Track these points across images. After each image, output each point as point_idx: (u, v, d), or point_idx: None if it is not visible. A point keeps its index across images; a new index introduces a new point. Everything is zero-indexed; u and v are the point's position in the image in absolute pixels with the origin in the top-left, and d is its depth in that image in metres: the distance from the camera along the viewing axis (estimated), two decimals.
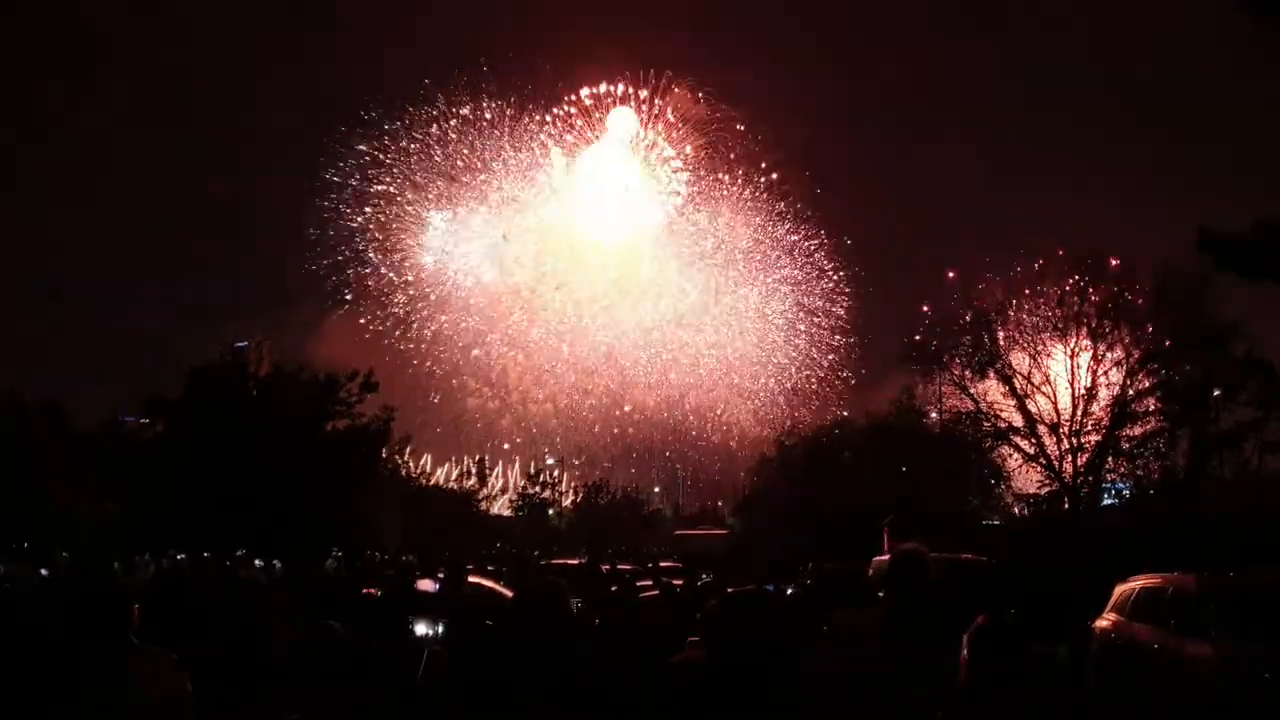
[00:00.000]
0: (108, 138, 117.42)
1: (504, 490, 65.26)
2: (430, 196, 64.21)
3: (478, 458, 62.68)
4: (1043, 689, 10.18)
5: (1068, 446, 30.62)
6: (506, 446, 66.04)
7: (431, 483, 56.35)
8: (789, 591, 22.04)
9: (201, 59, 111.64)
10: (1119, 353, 30.71)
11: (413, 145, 63.77)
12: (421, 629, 10.69)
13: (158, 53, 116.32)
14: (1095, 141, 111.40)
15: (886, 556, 16.16)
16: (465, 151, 63.77)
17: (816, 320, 67.95)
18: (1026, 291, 32.30)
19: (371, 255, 64.33)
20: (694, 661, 3.78)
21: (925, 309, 35.63)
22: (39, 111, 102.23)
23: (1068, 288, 31.51)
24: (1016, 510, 33.23)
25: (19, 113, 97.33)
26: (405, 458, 46.59)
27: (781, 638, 3.49)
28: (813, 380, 67.29)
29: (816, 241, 68.34)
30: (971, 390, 32.49)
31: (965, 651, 4.03)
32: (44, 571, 27.24)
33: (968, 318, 32.69)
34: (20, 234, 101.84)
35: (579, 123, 63.88)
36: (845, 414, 59.11)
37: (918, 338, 34.18)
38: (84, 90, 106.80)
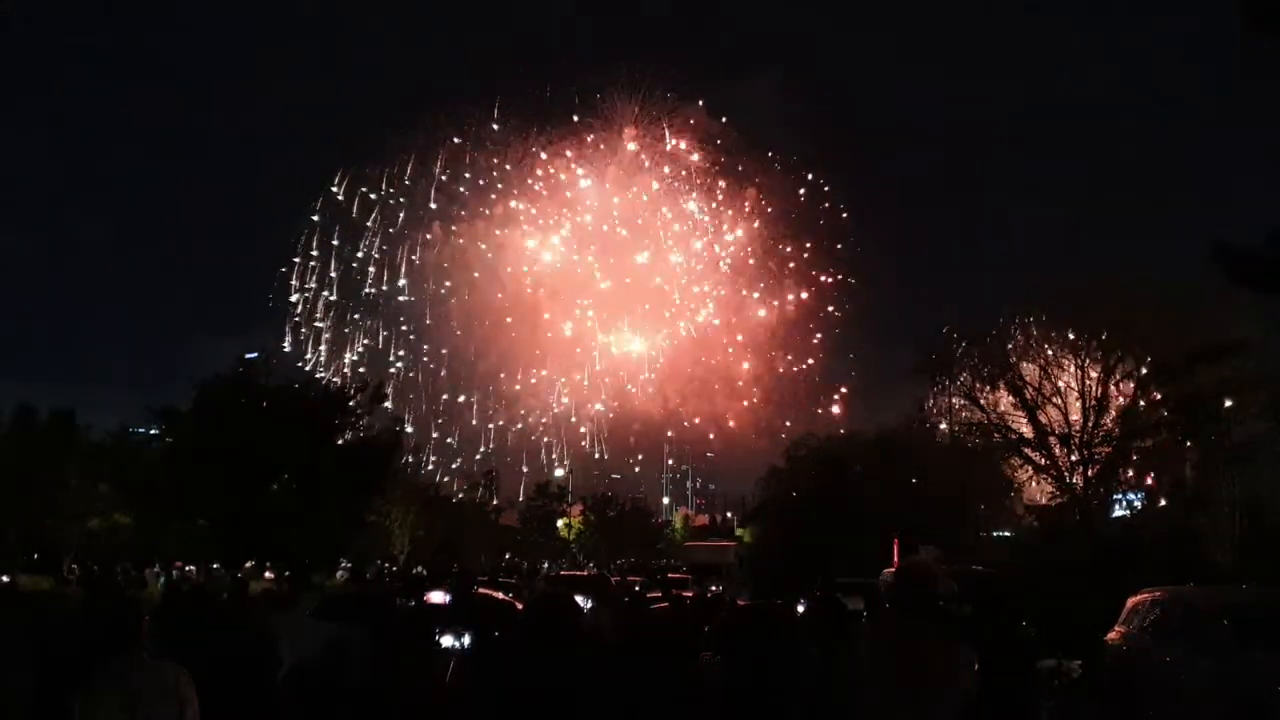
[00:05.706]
0: (115, 147, 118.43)
1: (513, 502, 65.30)
2: (452, 214, 64.37)
3: (488, 470, 62.75)
4: (1054, 704, 10.13)
5: (1078, 458, 30.42)
6: (509, 459, 65.98)
7: (442, 494, 56.41)
8: (800, 607, 21.97)
9: (205, 69, 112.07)
10: (1130, 364, 30.52)
11: (440, 163, 63.94)
12: (448, 641, 10.69)
13: (162, 63, 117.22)
14: (1099, 149, 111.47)
15: (894, 569, 16.11)
16: (487, 168, 63.99)
17: (829, 333, 68.00)
18: (1036, 318, 32.14)
19: (378, 270, 64.37)
20: (710, 671, 3.79)
21: (937, 320, 35.46)
22: (40, 116, 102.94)
23: (1078, 303, 31.33)
24: (1026, 522, 33.01)
25: (22, 117, 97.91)
26: (415, 469, 46.68)
27: (793, 651, 3.49)
28: (823, 393, 67.28)
29: (834, 256, 68.48)
30: (981, 401, 32.33)
31: (978, 665, 4.00)
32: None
33: (980, 331, 32.60)
34: (31, 242, 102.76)
35: (615, 142, 64.20)
36: (858, 422, 59.15)
37: (930, 352, 34.02)
38: (88, 99, 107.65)
